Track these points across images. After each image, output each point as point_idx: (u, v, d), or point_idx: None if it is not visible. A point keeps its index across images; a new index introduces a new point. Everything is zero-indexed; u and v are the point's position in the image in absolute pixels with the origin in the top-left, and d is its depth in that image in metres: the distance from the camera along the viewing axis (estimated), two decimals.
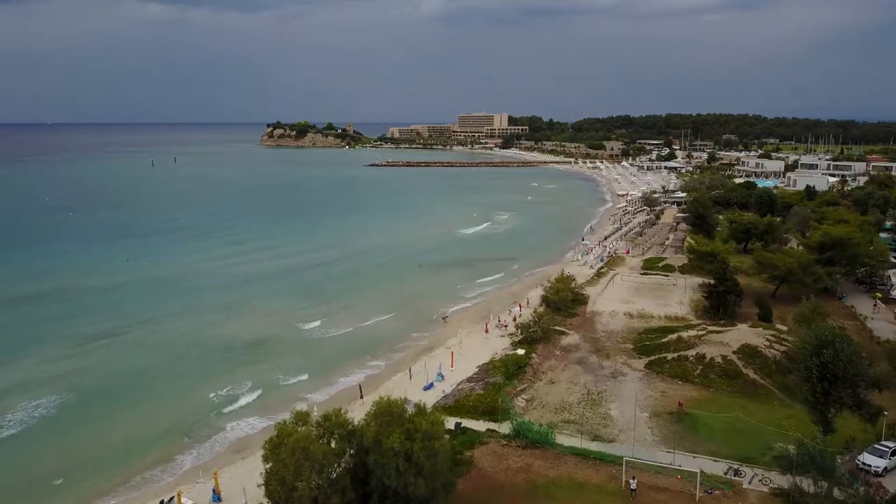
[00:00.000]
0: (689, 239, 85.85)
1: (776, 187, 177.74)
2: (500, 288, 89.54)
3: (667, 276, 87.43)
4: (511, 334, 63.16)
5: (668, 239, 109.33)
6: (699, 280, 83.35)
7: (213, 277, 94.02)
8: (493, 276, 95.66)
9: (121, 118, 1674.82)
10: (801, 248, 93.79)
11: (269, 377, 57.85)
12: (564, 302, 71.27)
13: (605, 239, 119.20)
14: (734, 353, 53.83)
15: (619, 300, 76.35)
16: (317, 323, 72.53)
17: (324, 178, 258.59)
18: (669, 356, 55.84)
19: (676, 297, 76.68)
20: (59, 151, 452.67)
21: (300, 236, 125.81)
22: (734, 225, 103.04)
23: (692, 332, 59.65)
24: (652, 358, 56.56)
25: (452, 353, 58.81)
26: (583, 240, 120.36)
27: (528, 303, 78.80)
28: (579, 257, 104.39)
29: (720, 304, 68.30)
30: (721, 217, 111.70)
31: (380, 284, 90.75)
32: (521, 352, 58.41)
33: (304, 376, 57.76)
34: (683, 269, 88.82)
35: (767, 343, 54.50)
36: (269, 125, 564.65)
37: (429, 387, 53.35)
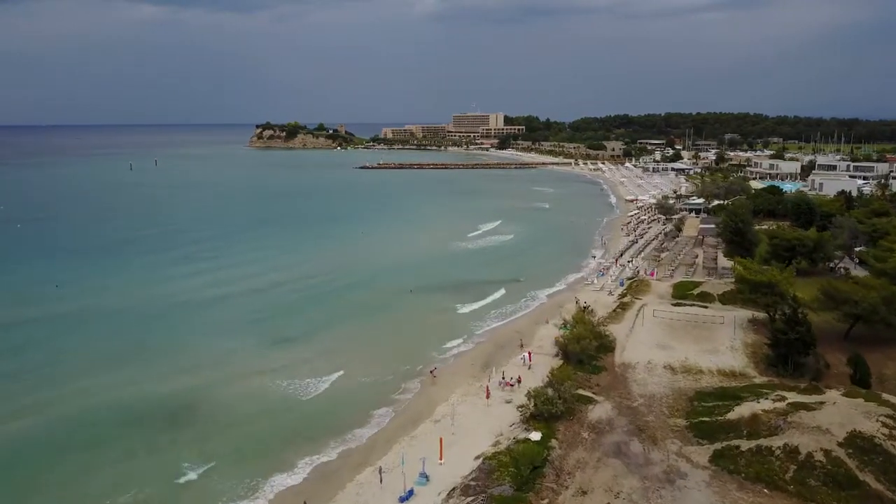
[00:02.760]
0: (735, 264, 70.47)
1: (800, 190, 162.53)
2: (503, 322, 73.65)
3: (705, 307, 71.62)
4: (522, 407, 46.83)
5: (696, 257, 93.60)
6: (747, 314, 67.81)
7: (156, 308, 77.79)
8: (493, 304, 79.92)
9: (119, 120, 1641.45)
10: (858, 271, 78.38)
11: (180, 474, 41.72)
12: (587, 352, 55.23)
13: (622, 255, 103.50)
14: (840, 445, 38.04)
15: (654, 344, 60.46)
16: (263, 379, 56.51)
17: (309, 182, 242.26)
18: (744, 445, 40.02)
19: (726, 340, 60.81)
20: (41, 154, 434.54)
21: (271, 253, 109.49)
22: (775, 240, 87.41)
23: (768, 405, 43.80)
24: (718, 446, 40.71)
25: (441, 441, 42.78)
26: (594, 257, 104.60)
27: (528, 342, 63.16)
28: (594, 280, 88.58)
29: (790, 355, 52.61)
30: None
31: (358, 318, 74.72)
32: (535, 436, 42.43)
33: (229, 475, 41.56)
34: (725, 299, 73.10)
35: (885, 431, 38.70)
36: (258, 126, 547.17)
37: (407, 497, 37.45)
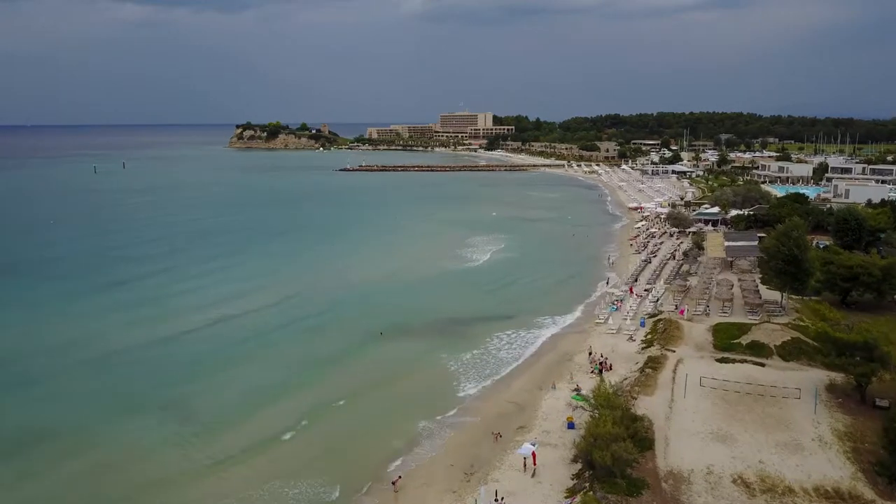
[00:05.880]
0: (806, 312, 53.59)
1: (824, 198, 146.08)
2: (495, 385, 55.86)
3: (762, 364, 54.34)
4: None
5: (731, 287, 76.22)
6: (820, 374, 50.78)
7: (32, 361, 59.54)
8: (481, 355, 62.26)
9: (103, 120, 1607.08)
10: None
11: None
12: (620, 461, 37.31)
13: (636, 281, 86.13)
14: None
15: (708, 433, 42.89)
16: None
17: (283, 187, 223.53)
18: None
19: (807, 426, 43.38)
20: (12, 157, 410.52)
21: (215, 279, 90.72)
22: (831, 267, 70.39)
23: None
24: None
25: None
26: (607, 282, 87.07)
27: (530, 421, 45.64)
28: (609, 317, 71.08)
29: None
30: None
31: (309, 377, 56.78)
32: None
33: None
34: (786, 352, 55.70)
35: None
36: (238, 126, 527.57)
37: None
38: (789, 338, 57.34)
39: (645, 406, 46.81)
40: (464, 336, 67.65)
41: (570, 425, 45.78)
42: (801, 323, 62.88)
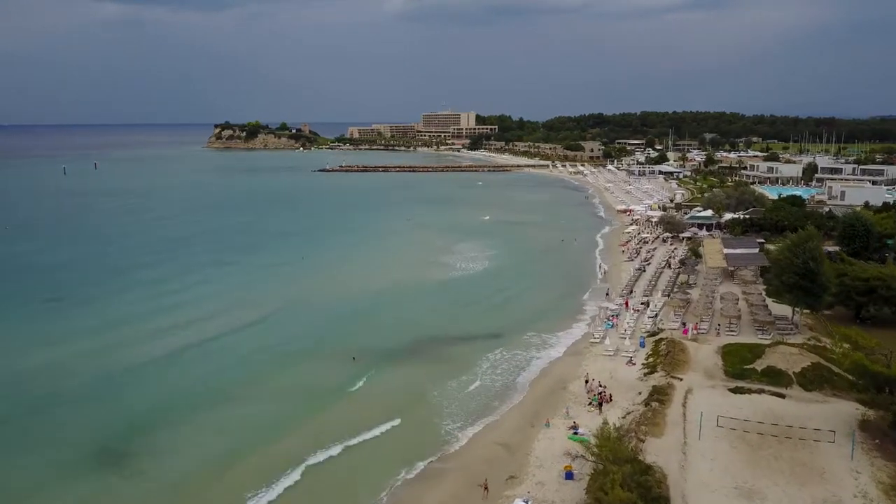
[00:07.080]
0: (837, 339, 47.85)
1: (818, 200, 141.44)
2: (481, 423, 49.09)
3: (781, 395, 48.23)
4: None
5: (737, 300, 70.20)
6: (850, 408, 44.74)
7: None
8: (465, 383, 55.62)
9: (83, 120, 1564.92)
10: None
11: None
12: None
13: (631, 293, 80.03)
14: None
15: (732, 488, 36.43)
16: None
17: (257, 188, 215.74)
18: None
19: (845, 476, 37.17)
20: None
21: (172, 300, 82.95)
22: (844, 279, 64.70)
23: None
24: None
25: None
26: (607, 293, 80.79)
27: (521, 469, 39.13)
28: (605, 336, 64.70)
29: None
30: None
31: (275, 422, 49.25)
32: None
33: None
34: (807, 381, 49.65)
35: None
36: (216, 125, 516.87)
37: None
38: (809, 363, 51.27)
39: (655, 451, 40.35)
40: (448, 360, 60.91)
41: (569, 475, 39.28)
42: (819, 343, 57.16)
